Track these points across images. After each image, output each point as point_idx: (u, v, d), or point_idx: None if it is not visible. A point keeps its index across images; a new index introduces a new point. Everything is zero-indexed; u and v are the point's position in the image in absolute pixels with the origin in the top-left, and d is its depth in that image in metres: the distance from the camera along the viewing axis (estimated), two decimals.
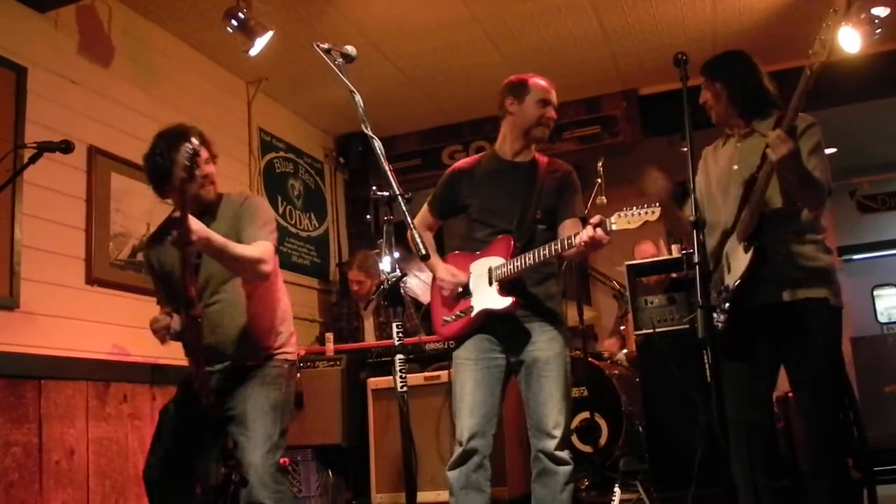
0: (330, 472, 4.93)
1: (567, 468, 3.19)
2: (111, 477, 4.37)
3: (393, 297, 2.64)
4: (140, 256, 4.70)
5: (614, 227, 3.06)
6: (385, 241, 2.70)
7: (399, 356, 2.60)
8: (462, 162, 3.73)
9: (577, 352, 5.38)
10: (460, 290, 3.41)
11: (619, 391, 5.07)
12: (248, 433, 3.20)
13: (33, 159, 3.38)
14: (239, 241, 3.22)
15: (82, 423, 4.26)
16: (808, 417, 3.22)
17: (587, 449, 4.98)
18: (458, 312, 3.39)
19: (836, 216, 8.28)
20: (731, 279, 3.20)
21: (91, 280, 4.49)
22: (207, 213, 3.34)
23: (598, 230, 3.05)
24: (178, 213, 2.97)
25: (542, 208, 3.48)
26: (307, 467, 4.84)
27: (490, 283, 3.34)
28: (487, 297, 3.32)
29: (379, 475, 4.57)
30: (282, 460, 4.52)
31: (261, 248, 3.24)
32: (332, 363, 5.25)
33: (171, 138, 3.28)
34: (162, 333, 3.28)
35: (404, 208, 2.76)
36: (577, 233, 3.11)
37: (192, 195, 3.21)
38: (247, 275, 3.28)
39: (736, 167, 3.32)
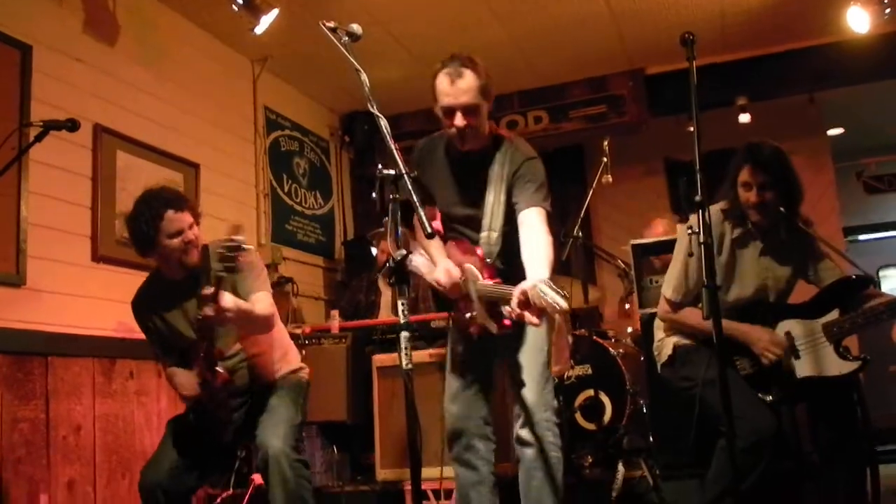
0: (335, 449, 4.96)
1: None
2: (117, 452, 4.41)
3: (399, 275, 2.63)
4: None
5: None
6: (391, 220, 2.69)
7: (404, 334, 2.59)
8: None
9: (583, 330, 5.39)
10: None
11: (623, 369, 5.08)
12: (269, 415, 3.38)
13: (39, 137, 3.38)
14: (234, 292, 3.31)
15: (89, 400, 4.29)
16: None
17: (591, 426, 4.99)
18: (469, 314, 3.25)
19: (843, 197, 8.25)
20: (802, 371, 3.33)
21: (97, 257, 4.51)
22: (192, 277, 3.39)
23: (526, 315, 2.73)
24: (209, 290, 3.07)
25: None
26: (312, 443, 4.87)
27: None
28: (480, 312, 3.17)
29: (383, 452, 4.59)
30: None
31: (265, 302, 3.40)
32: (337, 340, 5.28)
33: (157, 206, 3.34)
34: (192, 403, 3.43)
35: (410, 187, 2.76)
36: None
37: (176, 261, 3.39)
38: (259, 330, 3.45)
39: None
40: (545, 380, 3.21)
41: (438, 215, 3.43)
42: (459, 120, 3.12)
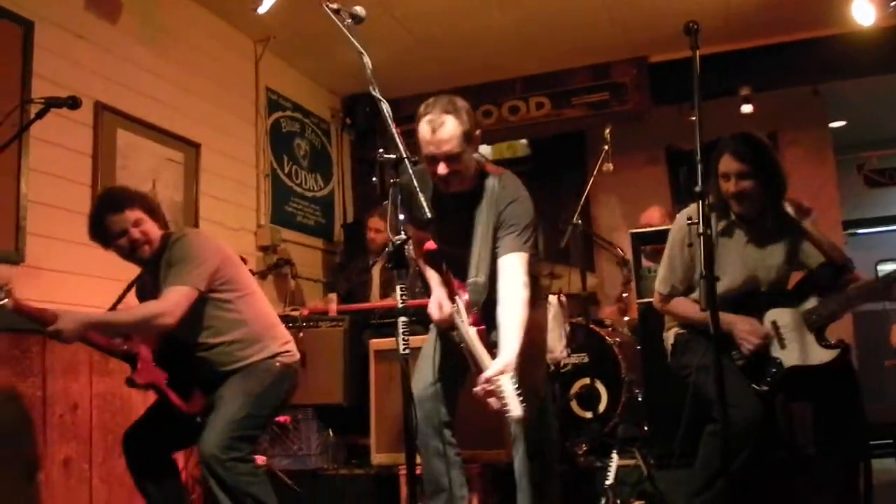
0: (330, 431, 4.96)
1: None
2: (114, 431, 4.41)
3: (397, 259, 2.64)
4: None
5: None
6: (390, 204, 2.69)
7: (402, 318, 2.60)
8: None
9: (580, 318, 5.40)
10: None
11: (619, 358, 5.09)
12: (214, 413, 3.40)
13: (40, 114, 3.38)
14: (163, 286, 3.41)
15: (86, 378, 4.29)
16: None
17: (586, 415, 5.01)
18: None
19: (843, 190, 8.25)
20: (789, 360, 3.35)
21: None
22: (153, 269, 3.53)
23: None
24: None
25: None
26: (308, 426, 4.88)
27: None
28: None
29: (379, 435, 4.59)
30: (282, 418, 4.63)
31: (164, 299, 3.36)
32: (334, 323, 5.28)
33: (98, 213, 3.51)
34: None
35: (411, 171, 2.76)
36: None
37: (128, 257, 3.55)
38: (150, 332, 3.45)
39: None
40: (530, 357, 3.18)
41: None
42: (442, 168, 3.05)
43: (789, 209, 3.46)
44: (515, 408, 2.56)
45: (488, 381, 2.65)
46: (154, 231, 3.53)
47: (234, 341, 3.54)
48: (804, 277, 3.51)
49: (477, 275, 3.10)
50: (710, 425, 3.26)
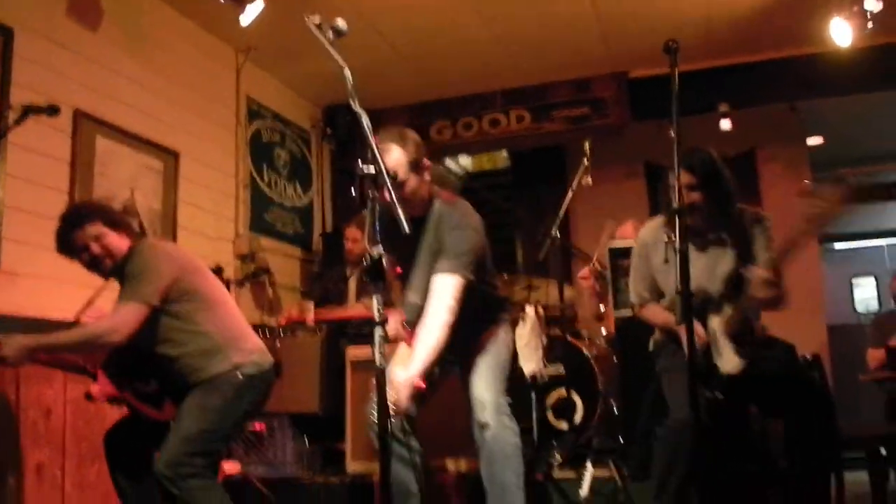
0: (306, 440, 4.96)
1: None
2: (88, 438, 4.38)
3: (374, 273, 2.64)
4: None
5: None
6: (368, 218, 2.70)
7: (378, 330, 2.61)
8: None
9: (557, 330, 5.42)
10: None
11: (596, 371, 5.11)
12: (172, 428, 3.41)
13: (19, 121, 3.38)
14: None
15: (59, 384, 4.27)
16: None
17: (562, 425, 5.03)
18: None
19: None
20: (723, 367, 3.41)
21: None
22: (119, 281, 3.54)
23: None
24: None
25: None
26: (283, 434, 4.87)
27: None
28: None
29: (354, 444, 4.60)
30: (257, 425, 4.62)
31: (113, 317, 3.39)
32: (311, 332, 5.29)
33: (61, 230, 3.53)
34: None
35: (389, 186, 2.77)
36: None
37: (93, 272, 3.57)
38: (99, 350, 3.52)
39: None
40: (499, 371, 3.45)
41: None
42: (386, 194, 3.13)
43: (746, 217, 3.59)
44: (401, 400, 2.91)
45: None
46: (117, 244, 3.52)
47: (193, 353, 3.49)
48: (725, 285, 3.57)
49: (414, 296, 3.34)
50: (658, 429, 3.39)
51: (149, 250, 3.53)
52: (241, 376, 3.52)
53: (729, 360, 3.39)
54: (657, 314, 3.71)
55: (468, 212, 3.43)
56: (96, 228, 3.48)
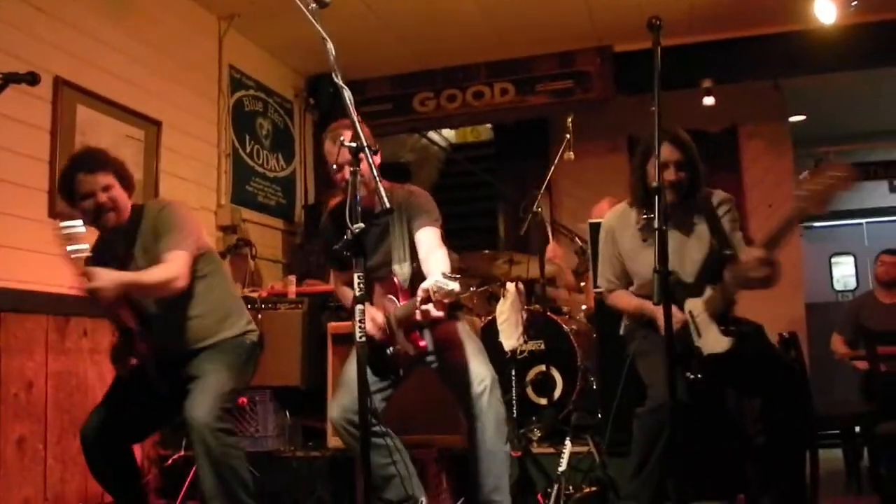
0: (287, 414, 4.97)
1: None
2: (70, 411, 4.39)
3: (355, 247, 2.65)
4: None
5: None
6: (350, 193, 2.70)
7: (358, 307, 2.62)
8: None
9: (537, 306, 5.43)
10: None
11: (575, 346, 5.14)
12: (200, 382, 3.36)
13: None
14: (152, 249, 3.39)
15: (41, 357, 4.26)
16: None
17: (541, 401, 5.06)
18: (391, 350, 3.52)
19: None
20: (704, 347, 3.45)
21: (54, 213, 4.43)
22: (123, 237, 3.49)
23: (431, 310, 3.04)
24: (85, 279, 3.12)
25: None
26: (265, 408, 4.88)
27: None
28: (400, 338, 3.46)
29: None
30: (240, 400, 4.61)
31: (173, 263, 3.33)
32: (293, 305, 5.28)
33: (70, 169, 3.45)
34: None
35: (370, 160, 2.76)
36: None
37: (91, 223, 3.44)
38: (163, 295, 3.40)
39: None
40: (480, 351, 3.55)
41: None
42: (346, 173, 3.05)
43: (713, 200, 3.63)
44: (451, 285, 2.83)
45: (424, 289, 2.94)
46: (123, 199, 3.46)
47: (209, 313, 3.53)
48: (701, 268, 3.60)
49: (400, 265, 3.54)
50: (637, 408, 3.40)
51: (179, 206, 3.56)
52: (248, 342, 3.60)
53: (717, 341, 3.41)
54: (628, 300, 3.75)
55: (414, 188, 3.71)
56: (107, 178, 3.41)
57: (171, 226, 3.41)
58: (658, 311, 3.43)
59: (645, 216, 3.59)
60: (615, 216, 3.81)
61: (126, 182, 3.51)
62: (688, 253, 3.58)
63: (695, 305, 3.49)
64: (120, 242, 3.49)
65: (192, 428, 3.22)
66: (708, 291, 3.48)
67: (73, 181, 3.39)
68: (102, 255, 3.49)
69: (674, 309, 3.44)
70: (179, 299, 3.45)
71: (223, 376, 3.40)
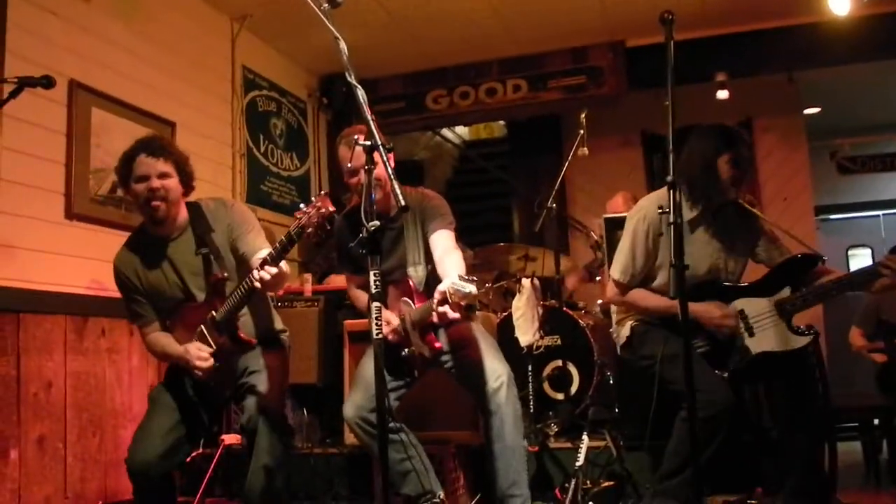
0: (304, 411, 4.99)
1: None
2: (88, 410, 4.42)
3: (371, 245, 2.66)
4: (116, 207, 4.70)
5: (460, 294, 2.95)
6: (365, 190, 2.71)
7: (375, 304, 2.62)
8: None
9: (553, 301, 5.44)
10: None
11: (591, 341, 5.14)
12: (265, 376, 3.36)
13: (14, 94, 3.36)
14: (235, 249, 3.42)
15: (60, 357, 4.29)
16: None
17: (558, 396, 5.07)
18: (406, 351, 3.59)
19: (816, 176, 8.35)
20: (758, 347, 3.46)
21: (70, 215, 4.49)
22: (180, 231, 3.47)
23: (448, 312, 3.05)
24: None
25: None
26: None
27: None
28: (416, 340, 3.54)
29: None
30: None
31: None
32: (309, 303, 5.31)
33: (135, 148, 3.39)
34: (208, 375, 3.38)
35: (384, 158, 2.77)
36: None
37: (140, 208, 3.42)
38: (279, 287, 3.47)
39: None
40: (494, 347, 3.59)
41: None
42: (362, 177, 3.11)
43: (747, 204, 3.63)
44: (468, 287, 2.86)
45: (441, 292, 3.00)
46: (177, 192, 3.40)
47: (261, 310, 3.59)
48: (776, 268, 3.61)
49: (415, 268, 3.61)
50: (682, 412, 3.34)
51: (241, 204, 3.61)
52: (285, 339, 3.68)
53: (784, 340, 3.44)
54: (656, 299, 3.61)
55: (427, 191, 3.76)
56: (167, 167, 3.36)
57: (252, 223, 3.48)
58: (709, 310, 3.48)
59: (699, 207, 3.58)
60: (656, 205, 3.48)
61: (185, 177, 3.44)
62: (728, 255, 3.61)
63: (749, 305, 3.50)
64: (166, 239, 3.45)
65: (263, 422, 3.22)
66: (785, 292, 3.48)
67: (133, 161, 3.34)
68: (138, 252, 3.49)
69: (724, 306, 3.48)
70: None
71: (282, 377, 3.48)
